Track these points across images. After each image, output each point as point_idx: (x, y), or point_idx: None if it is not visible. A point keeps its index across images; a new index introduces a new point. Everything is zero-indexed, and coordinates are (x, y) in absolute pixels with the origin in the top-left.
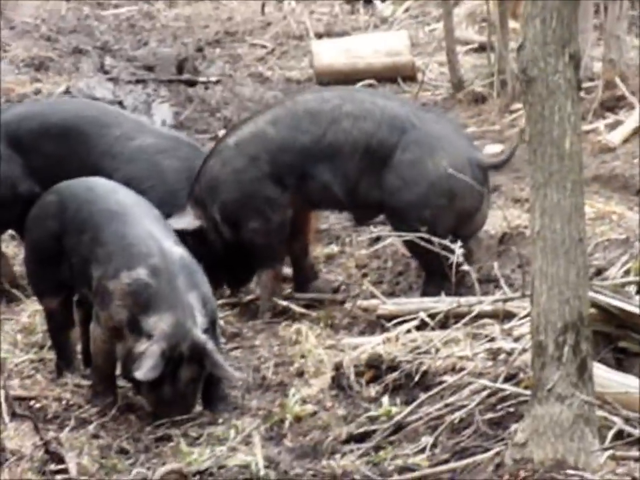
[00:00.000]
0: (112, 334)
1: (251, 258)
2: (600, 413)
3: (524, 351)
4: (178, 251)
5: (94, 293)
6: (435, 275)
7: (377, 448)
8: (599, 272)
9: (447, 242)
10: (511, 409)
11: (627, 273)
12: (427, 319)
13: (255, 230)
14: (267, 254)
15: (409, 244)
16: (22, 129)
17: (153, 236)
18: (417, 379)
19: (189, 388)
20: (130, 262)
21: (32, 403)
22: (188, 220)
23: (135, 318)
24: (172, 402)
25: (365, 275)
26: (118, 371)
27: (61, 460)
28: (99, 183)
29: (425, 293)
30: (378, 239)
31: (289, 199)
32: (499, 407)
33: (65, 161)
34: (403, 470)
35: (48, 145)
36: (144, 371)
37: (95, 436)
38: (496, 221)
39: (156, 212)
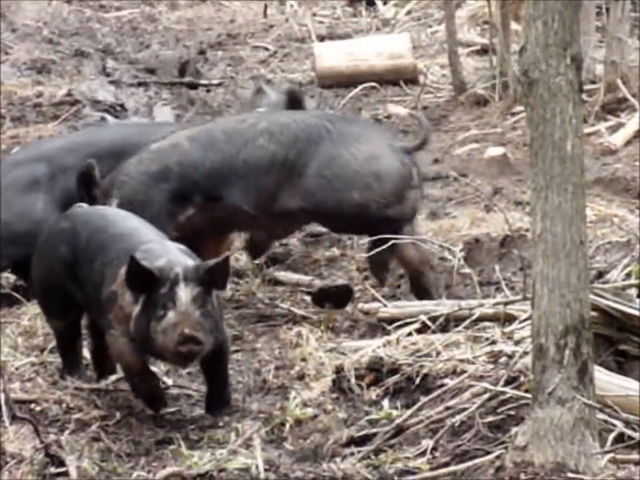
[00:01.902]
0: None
1: None
2: (600, 416)
3: (525, 354)
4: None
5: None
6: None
7: (378, 451)
8: (600, 275)
9: (447, 245)
10: (512, 412)
11: (628, 275)
12: (428, 322)
13: None
14: None
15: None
16: None
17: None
18: (417, 382)
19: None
20: (127, 256)
21: (32, 405)
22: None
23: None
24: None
25: (366, 278)
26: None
27: (61, 463)
28: (111, 212)
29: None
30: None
31: (188, 218)
32: (499, 410)
33: None
34: (403, 473)
35: None
36: None
37: (96, 439)
38: (497, 223)
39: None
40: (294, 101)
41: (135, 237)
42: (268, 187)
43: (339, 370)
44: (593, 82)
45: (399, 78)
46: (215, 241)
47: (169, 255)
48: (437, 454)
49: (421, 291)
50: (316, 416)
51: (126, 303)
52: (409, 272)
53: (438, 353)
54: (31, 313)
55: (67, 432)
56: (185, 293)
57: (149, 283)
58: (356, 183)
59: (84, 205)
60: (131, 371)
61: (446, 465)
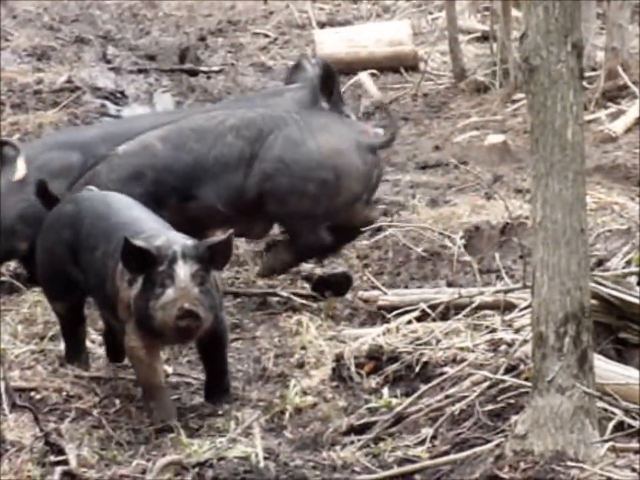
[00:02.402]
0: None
1: None
2: (600, 404)
3: (525, 342)
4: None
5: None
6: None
7: (377, 439)
8: (600, 262)
9: (448, 233)
10: (512, 401)
11: (628, 263)
12: (428, 310)
13: None
14: None
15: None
16: None
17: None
18: (417, 370)
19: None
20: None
21: (32, 394)
22: None
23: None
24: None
25: (366, 266)
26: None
27: (60, 451)
28: (116, 199)
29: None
30: (379, 230)
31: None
32: (499, 398)
33: None
34: (403, 461)
35: None
36: None
37: (95, 427)
38: (497, 211)
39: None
40: (327, 75)
41: (136, 226)
42: (237, 184)
43: (338, 358)
44: (594, 69)
45: (399, 65)
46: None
47: (168, 235)
48: (436, 442)
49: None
50: (316, 404)
51: (124, 294)
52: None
53: (438, 341)
54: (30, 300)
55: (66, 420)
56: (183, 270)
57: (145, 262)
58: (314, 174)
59: (94, 187)
60: (147, 385)
61: (445, 453)
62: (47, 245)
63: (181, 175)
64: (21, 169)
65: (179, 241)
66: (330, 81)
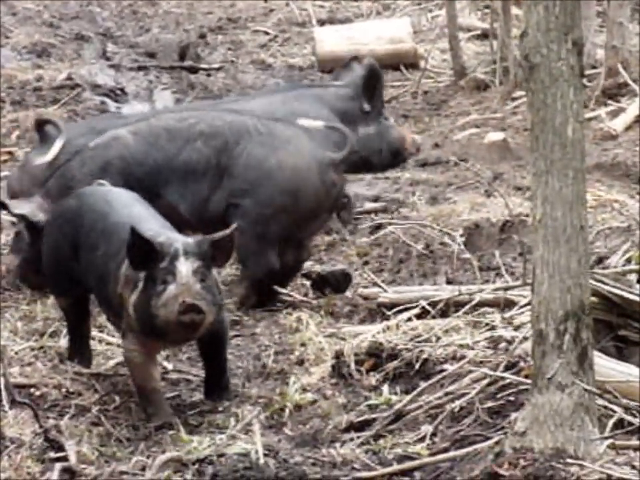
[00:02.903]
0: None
1: None
2: (600, 401)
3: (524, 339)
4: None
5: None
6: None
7: (377, 436)
8: (600, 260)
9: (448, 230)
10: (511, 398)
11: (628, 261)
12: (428, 307)
13: None
14: None
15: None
16: None
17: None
18: (417, 367)
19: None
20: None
21: (32, 390)
22: (32, 209)
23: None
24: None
25: (365, 263)
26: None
27: (60, 448)
28: (117, 196)
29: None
30: (379, 228)
31: None
32: (499, 395)
33: None
34: (402, 458)
35: None
36: None
37: (95, 424)
38: (497, 208)
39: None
40: (372, 76)
41: (135, 225)
42: (202, 192)
43: (338, 355)
44: (594, 67)
45: (399, 62)
46: None
47: (168, 234)
48: (436, 439)
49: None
50: (315, 401)
51: (128, 301)
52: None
53: (438, 339)
54: (29, 297)
55: (66, 417)
56: (185, 267)
57: (150, 257)
58: (274, 200)
59: (105, 182)
60: (144, 392)
61: (445, 450)
62: (50, 239)
63: (149, 170)
64: (52, 151)
65: (180, 238)
66: (374, 83)
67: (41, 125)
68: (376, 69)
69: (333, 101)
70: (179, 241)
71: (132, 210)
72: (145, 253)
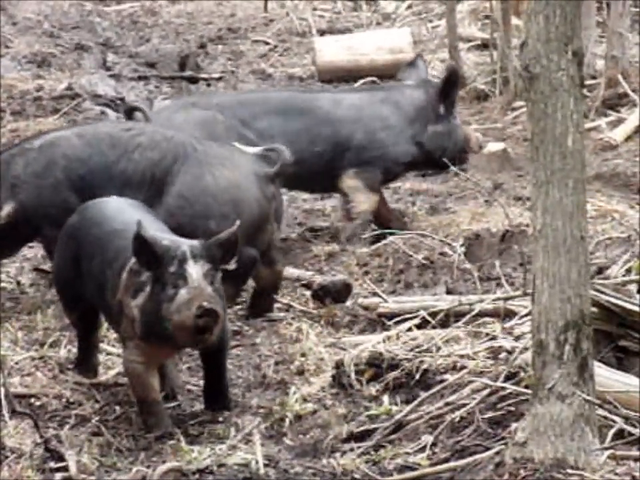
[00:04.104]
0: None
1: None
2: (600, 412)
3: (525, 349)
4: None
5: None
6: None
7: (377, 447)
8: (600, 270)
9: (448, 240)
10: (512, 408)
11: (628, 271)
12: (428, 317)
13: (48, 237)
14: None
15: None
16: None
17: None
18: (417, 377)
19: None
20: (125, 261)
21: (32, 400)
22: None
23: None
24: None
25: (366, 273)
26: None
27: (60, 458)
28: (114, 203)
29: None
30: (379, 238)
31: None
32: (499, 405)
33: None
34: (403, 469)
35: None
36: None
37: (95, 434)
38: (497, 218)
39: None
40: (451, 79)
41: (130, 233)
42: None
43: (338, 365)
44: (594, 77)
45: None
46: None
47: (172, 237)
48: (436, 450)
49: (257, 307)
50: (316, 411)
51: (127, 307)
52: (258, 289)
53: (438, 349)
54: (30, 307)
55: (66, 427)
56: (195, 270)
57: (155, 261)
58: (214, 210)
59: (115, 196)
60: (144, 402)
61: (446, 460)
62: (57, 255)
63: (90, 172)
64: None
65: (185, 240)
66: (452, 86)
67: (130, 111)
68: (457, 73)
69: (407, 106)
70: (185, 243)
71: (127, 216)
72: (151, 256)
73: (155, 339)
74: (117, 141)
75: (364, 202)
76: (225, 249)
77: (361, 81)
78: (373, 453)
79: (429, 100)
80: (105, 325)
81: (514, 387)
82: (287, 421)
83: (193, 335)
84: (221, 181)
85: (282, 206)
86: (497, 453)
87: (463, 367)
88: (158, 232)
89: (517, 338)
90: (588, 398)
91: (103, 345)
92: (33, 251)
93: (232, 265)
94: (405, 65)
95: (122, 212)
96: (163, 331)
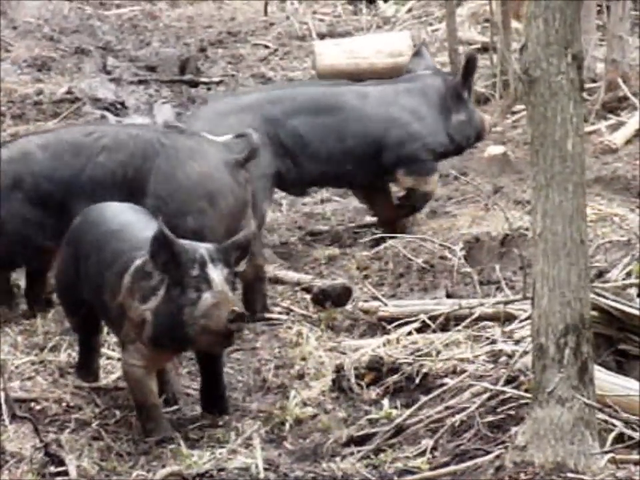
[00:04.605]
0: (141, 346)
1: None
2: (600, 415)
3: (525, 353)
4: None
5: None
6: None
7: (378, 451)
8: (600, 274)
9: (448, 244)
10: (512, 412)
11: (628, 275)
12: (428, 321)
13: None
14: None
15: None
16: None
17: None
18: (417, 381)
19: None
20: (127, 264)
21: (32, 404)
22: None
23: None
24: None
25: (366, 277)
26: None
27: (60, 462)
28: (111, 208)
29: None
30: (379, 241)
31: (52, 225)
32: (499, 409)
33: None
34: (403, 473)
35: None
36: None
37: (95, 438)
38: (497, 222)
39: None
40: (471, 65)
41: (128, 235)
42: None
43: (338, 369)
44: (594, 80)
45: (399, 76)
46: None
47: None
48: (436, 453)
49: (249, 305)
50: (316, 415)
51: (133, 310)
52: (243, 286)
53: (438, 352)
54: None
55: (66, 431)
56: (216, 274)
57: (173, 262)
58: (190, 207)
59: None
60: (144, 407)
61: (446, 464)
62: (59, 259)
63: (58, 185)
64: None
65: (200, 244)
66: (471, 73)
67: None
68: (475, 60)
69: (431, 94)
70: (202, 246)
71: (124, 219)
72: (170, 258)
73: (169, 342)
74: (80, 148)
75: (428, 186)
76: (239, 251)
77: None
78: (373, 456)
79: (449, 88)
80: (106, 329)
81: (514, 391)
82: (287, 425)
83: (221, 339)
84: (193, 176)
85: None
86: (497, 457)
87: (463, 371)
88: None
89: (517, 342)
90: (588, 402)
91: (103, 349)
92: None
93: (242, 267)
94: (411, 57)
95: (120, 215)
96: (183, 335)
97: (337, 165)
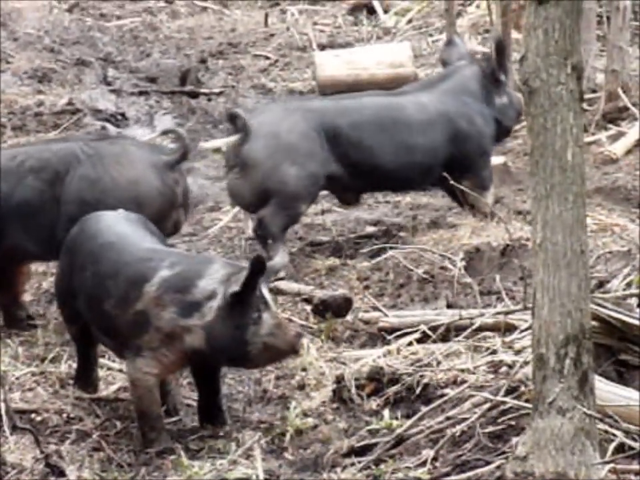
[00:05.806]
0: (161, 357)
1: None
2: (601, 426)
3: (525, 363)
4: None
5: (118, 329)
6: None
7: (378, 461)
8: (601, 284)
9: (448, 255)
10: (512, 422)
11: (628, 285)
12: (429, 332)
13: None
14: None
15: None
16: None
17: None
18: (418, 391)
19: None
20: (146, 274)
21: (33, 416)
22: None
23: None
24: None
25: (366, 288)
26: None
27: (61, 473)
28: (106, 217)
29: None
30: (380, 252)
31: None
32: (500, 420)
33: None
34: None
35: None
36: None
37: (96, 449)
38: (498, 233)
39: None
40: (501, 49)
41: (127, 246)
42: (44, 226)
43: (339, 380)
44: (594, 91)
45: (399, 86)
46: (14, 270)
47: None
48: (437, 464)
49: None
50: (316, 426)
51: (166, 321)
52: None
53: (438, 363)
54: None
55: (67, 442)
56: (268, 294)
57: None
58: (115, 206)
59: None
60: (147, 417)
61: (446, 475)
62: (59, 267)
63: None
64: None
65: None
66: (503, 53)
67: (233, 117)
68: (502, 40)
69: (472, 85)
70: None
71: (119, 230)
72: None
73: (223, 358)
74: (7, 174)
75: (488, 198)
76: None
77: None
78: (373, 467)
79: (487, 75)
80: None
81: (514, 401)
82: (288, 435)
83: (284, 357)
84: (120, 180)
85: (188, 192)
86: (498, 467)
87: (463, 381)
88: (149, 244)
89: (518, 352)
90: (588, 412)
91: (103, 360)
92: (33, 267)
93: None
94: (444, 47)
95: (116, 225)
96: (244, 353)
97: (402, 177)
